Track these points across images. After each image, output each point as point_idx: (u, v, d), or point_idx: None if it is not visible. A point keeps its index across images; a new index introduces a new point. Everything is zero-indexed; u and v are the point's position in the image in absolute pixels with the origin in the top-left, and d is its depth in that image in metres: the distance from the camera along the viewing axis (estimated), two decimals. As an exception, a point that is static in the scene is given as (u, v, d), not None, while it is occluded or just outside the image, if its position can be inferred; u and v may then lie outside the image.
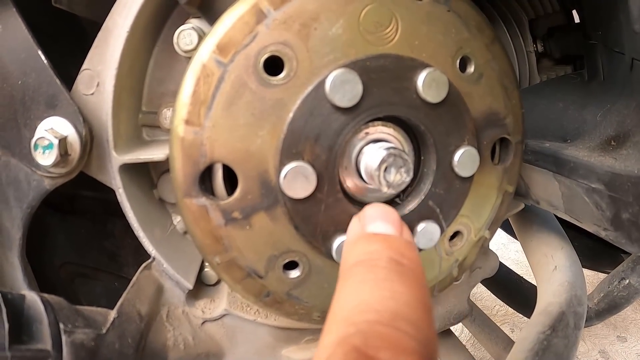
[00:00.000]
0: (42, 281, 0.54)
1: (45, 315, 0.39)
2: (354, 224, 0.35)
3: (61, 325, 0.39)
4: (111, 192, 0.49)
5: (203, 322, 0.53)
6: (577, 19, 0.74)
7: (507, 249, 1.57)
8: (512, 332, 1.23)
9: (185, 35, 0.46)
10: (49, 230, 0.60)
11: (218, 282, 0.55)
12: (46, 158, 0.44)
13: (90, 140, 0.47)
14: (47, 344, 0.38)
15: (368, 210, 0.35)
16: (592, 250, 0.85)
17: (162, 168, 0.53)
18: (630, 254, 0.72)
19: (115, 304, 0.47)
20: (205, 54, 0.38)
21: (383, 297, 0.26)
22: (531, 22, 0.72)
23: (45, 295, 0.41)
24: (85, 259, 0.61)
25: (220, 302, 0.54)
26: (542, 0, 0.71)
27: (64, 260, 0.60)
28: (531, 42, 0.70)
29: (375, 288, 0.27)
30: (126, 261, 0.63)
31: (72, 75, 0.49)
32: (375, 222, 0.33)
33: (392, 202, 0.44)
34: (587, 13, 0.67)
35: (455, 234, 0.47)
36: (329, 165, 0.39)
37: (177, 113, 0.38)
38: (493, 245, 1.64)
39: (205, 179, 0.40)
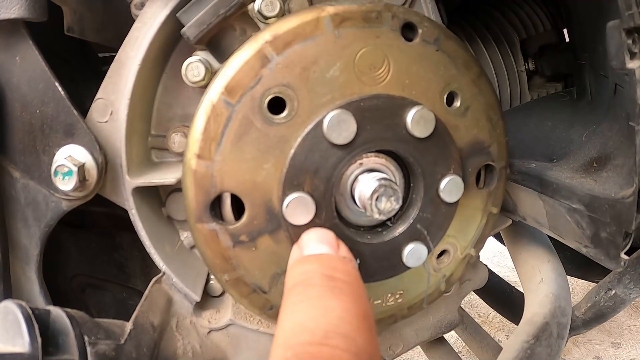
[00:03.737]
0: (54, 292, 0.61)
1: (72, 329, 0.46)
2: (294, 251, 0.40)
3: (86, 338, 0.46)
4: (119, 208, 0.56)
5: (209, 332, 0.60)
6: (567, 38, 0.81)
7: (502, 256, 1.66)
8: (507, 338, 1.32)
9: (192, 68, 0.52)
10: (62, 244, 0.67)
11: (222, 294, 0.62)
12: (66, 184, 0.51)
13: (105, 165, 0.54)
14: (74, 355, 0.45)
15: (304, 235, 0.40)
16: (583, 261, 0.93)
17: (170, 188, 0.60)
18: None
19: (123, 313, 0.54)
20: (214, 95, 0.44)
21: (315, 315, 0.29)
22: (523, 41, 0.78)
23: (69, 310, 0.48)
24: (96, 270, 0.69)
25: (225, 312, 0.61)
26: (533, 20, 0.77)
27: (76, 272, 0.67)
28: (522, 61, 0.77)
29: (308, 307, 0.30)
30: (134, 272, 0.70)
31: (79, 91, 0.56)
32: (310, 244, 0.38)
33: (383, 225, 0.51)
34: (576, 35, 0.73)
35: (443, 252, 0.54)
36: (327, 194, 0.46)
37: (190, 148, 0.45)
38: (489, 252, 1.73)
39: (215, 206, 0.47)
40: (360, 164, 0.47)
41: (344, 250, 0.38)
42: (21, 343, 0.44)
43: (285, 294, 0.35)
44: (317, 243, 0.39)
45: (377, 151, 0.48)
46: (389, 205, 0.44)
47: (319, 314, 0.30)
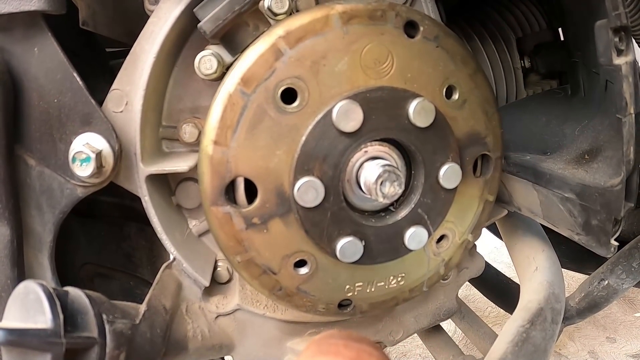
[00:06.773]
0: (64, 280, 0.65)
1: (91, 308, 0.50)
2: None
3: (104, 316, 0.51)
4: (127, 198, 0.61)
5: (217, 317, 0.65)
6: (562, 37, 0.87)
7: (499, 253, 1.74)
8: (504, 333, 1.38)
9: (205, 61, 0.57)
10: (71, 233, 0.71)
11: (229, 281, 0.67)
12: (84, 170, 0.56)
13: (120, 153, 0.59)
14: (93, 332, 0.49)
15: None
16: (578, 254, 0.99)
17: (179, 177, 0.65)
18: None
19: (130, 301, 0.58)
20: (231, 85, 0.50)
21: None
22: (519, 39, 0.84)
23: (87, 291, 0.53)
24: (104, 259, 0.73)
25: (232, 298, 0.66)
26: (529, 19, 0.84)
27: (85, 261, 0.72)
28: (518, 58, 0.83)
29: None
30: (140, 262, 0.75)
31: (89, 83, 0.60)
32: None
33: (386, 209, 0.56)
34: (569, 34, 0.80)
35: (442, 237, 0.60)
36: (335, 179, 0.51)
37: (207, 135, 0.50)
38: (486, 249, 1.80)
39: (229, 191, 0.52)
40: (365, 151, 0.53)
41: None
42: (43, 320, 0.47)
43: None
44: None
45: (381, 140, 0.53)
46: (393, 189, 0.50)
47: None
